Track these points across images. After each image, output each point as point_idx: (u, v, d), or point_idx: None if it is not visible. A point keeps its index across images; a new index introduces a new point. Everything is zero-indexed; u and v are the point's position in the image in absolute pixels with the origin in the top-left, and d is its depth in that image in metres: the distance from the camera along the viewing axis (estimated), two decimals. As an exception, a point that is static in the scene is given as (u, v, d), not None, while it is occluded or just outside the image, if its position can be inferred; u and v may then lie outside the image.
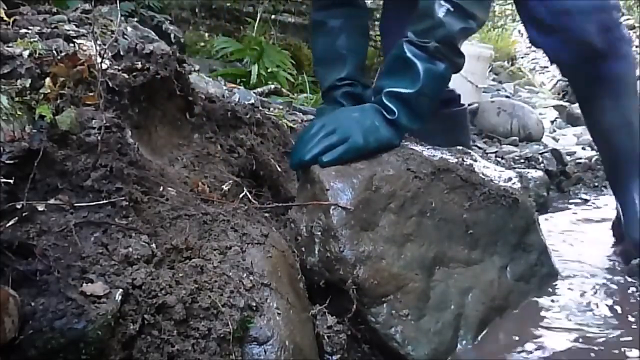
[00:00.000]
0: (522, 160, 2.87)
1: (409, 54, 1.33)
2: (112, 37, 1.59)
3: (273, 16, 4.66)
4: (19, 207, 0.87)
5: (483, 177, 1.41)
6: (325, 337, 1.09)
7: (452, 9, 1.32)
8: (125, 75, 1.23)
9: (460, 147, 1.61)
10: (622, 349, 1.23)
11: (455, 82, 1.75)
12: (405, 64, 1.34)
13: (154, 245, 0.96)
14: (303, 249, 1.21)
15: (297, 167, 1.38)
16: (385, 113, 1.32)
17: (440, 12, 1.32)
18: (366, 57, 1.79)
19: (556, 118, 4.57)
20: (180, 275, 0.92)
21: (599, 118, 1.61)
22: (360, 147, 1.27)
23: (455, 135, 1.88)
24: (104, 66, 1.17)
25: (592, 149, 3.00)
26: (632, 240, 1.58)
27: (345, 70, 1.63)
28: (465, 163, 1.41)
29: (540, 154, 2.85)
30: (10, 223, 0.86)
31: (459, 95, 2.04)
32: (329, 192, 1.20)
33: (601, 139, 1.68)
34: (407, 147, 1.37)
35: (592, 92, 1.58)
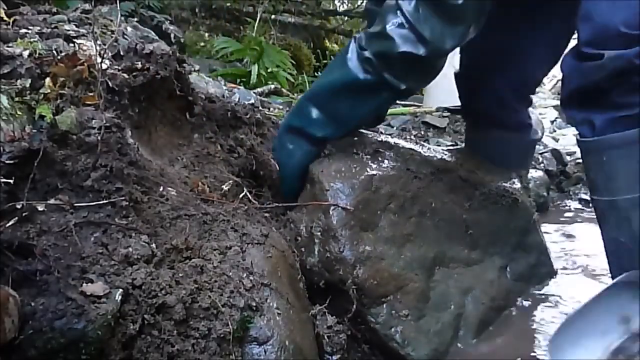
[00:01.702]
0: (522, 160, 2.86)
1: (348, 54, 1.25)
2: (112, 37, 1.59)
3: (273, 16, 4.67)
4: (19, 207, 0.87)
5: (483, 177, 1.41)
6: (325, 337, 1.09)
7: (404, 24, 1.18)
8: (125, 75, 1.23)
9: (461, 147, 1.62)
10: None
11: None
12: (341, 63, 1.26)
13: (154, 245, 0.96)
14: (303, 249, 1.21)
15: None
16: (295, 123, 1.33)
17: (391, 23, 1.19)
18: None
19: (556, 118, 4.56)
20: (180, 275, 0.92)
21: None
22: (288, 185, 1.35)
23: (514, 165, 1.66)
24: (104, 66, 1.17)
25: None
26: None
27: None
28: (465, 163, 1.42)
29: (540, 154, 2.85)
30: (10, 223, 0.86)
31: (536, 130, 1.77)
32: (329, 192, 1.20)
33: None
34: (407, 147, 1.37)
35: None
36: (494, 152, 1.56)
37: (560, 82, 1.36)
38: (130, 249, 0.92)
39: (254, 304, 0.94)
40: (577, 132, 1.20)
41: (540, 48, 1.47)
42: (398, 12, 1.18)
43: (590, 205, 2.44)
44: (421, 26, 1.16)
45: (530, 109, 1.70)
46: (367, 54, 1.21)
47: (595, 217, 1.52)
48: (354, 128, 1.35)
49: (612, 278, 1.20)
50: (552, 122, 4.42)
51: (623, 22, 1.06)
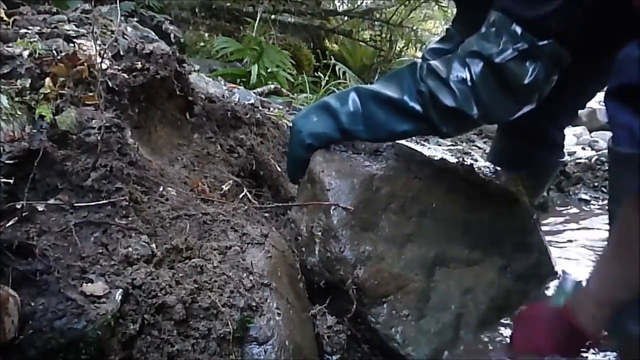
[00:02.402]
0: (522, 161, 2.86)
1: (408, 76, 1.24)
2: (112, 37, 1.59)
3: (273, 16, 4.67)
4: (19, 207, 0.87)
5: (483, 177, 1.41)
6: (325, 337, 1.09)
7: (467, 82, 1.16)
8: (125, 75, 1.23)
9: (461, 147, 1.62)
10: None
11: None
12: (401, 76, 1.26)
13: (154, 245, 0.96)
14: (303, 249, 1.21)
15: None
16: (332, 103, 1.29)
17: (455, 75, 1.17)
18: None
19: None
20: (180, 275, 0.92)
21: None
22: (294, 151, 1.32)
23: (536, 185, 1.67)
24: (104, 66, 1.17)
25: (592, 149, 3.00)
26: None
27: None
28: (465, 163, 1.41)
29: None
30: (10, 223, 0.86)
31: (564, 152, 1.77)
32: (330, 192, 1.20)
33: None
34: (408, 147, 1.37)
35: None
36: (519, 165, 1.54)
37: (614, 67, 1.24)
38: (130, 249, 0.92)
39: (254, 304, 0.94)
40: (610, 135, 1.11)
41: (598, 86, 1.46)
42: (466, 68, 1.17)
43: (590, 205, 2.45)
44: (483, 90, 1.16)
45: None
46: (423, 87, 1.20)
47: (593, 217, 1.51)
48: (381, 140, 1.33)
49: None
50: (552, 122, 4.40)
51: None
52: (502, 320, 1.34)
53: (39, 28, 1.51)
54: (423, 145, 1.44)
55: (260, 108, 1.90)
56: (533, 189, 1.57)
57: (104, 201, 0.97)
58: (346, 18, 5.57)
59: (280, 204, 1.40)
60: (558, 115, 1.58)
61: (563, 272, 1.38)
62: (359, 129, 1.26)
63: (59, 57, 1.22)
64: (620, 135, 1.10)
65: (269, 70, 3.52)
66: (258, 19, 4.21)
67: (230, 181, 1.37)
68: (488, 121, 1.27)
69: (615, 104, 1.11)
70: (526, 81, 1.14)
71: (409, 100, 1.22)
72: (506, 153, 1.68)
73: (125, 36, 1.94)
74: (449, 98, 1.17)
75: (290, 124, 1.42)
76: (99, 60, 1.14)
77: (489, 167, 1.50)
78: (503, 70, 1.14)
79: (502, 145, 1.74)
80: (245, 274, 0.97)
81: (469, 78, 1.16)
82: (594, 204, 2.48)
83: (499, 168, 1.50)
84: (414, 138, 1.45)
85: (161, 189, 1.14)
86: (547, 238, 1.61)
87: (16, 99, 1.10)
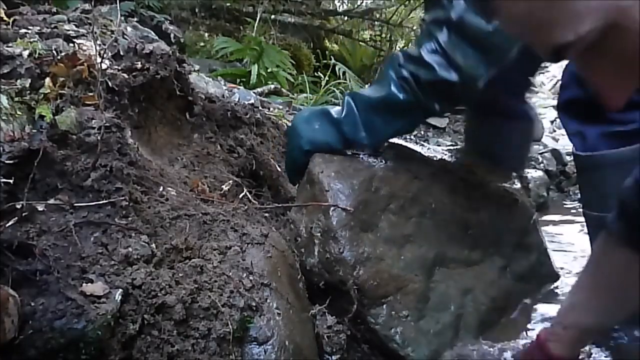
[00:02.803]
0: (522, 161, 2.86)
1: (389, 69, 1.25)
2: (112, 37, 1.59)
3: (273, 16, 4.67)
4: (19, 207, 0.87)
5: (483, 177, 1.41)
6: (325, 337, 1.09)
7: (437, 51, 1.19)
8: (125, 75, 1.23)
9: (461, 147, 1.62)
10: (622, 347, 1.23)
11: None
12: (384, 75, 1.27)
13: (154, 245, 0.96)
14: (303, 249, 1.21)
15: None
16: (333, 113, 1.28)
17: (425, 49, 1.20)
18: None
19: (556, 118, 4.56)
20: (180, 275, 0.92)
21: None
22: (292, 154, 1.31)
23: (515, 154, 1.68)
24: (104, 66, 1.17)
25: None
26: None
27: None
28: (465, 163, 1.42)
29: (540, 154, 2.85)
30: (10, 223, 0.86)
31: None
32: (329, 193, 1.20)
33: None
34: (407, 147, 1.37)
35: None
36: (494, 140, 1.55)
37: (559, 84, 1.37)
38: (130, 249, 0.92)
39: (253, 304, 0.94)
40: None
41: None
42: (432, 39, 1.19)
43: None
44: (454, 53, 1.17)
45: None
46: (404, 73, 1.22)
47: None
48: (384, 141, 1.34)
49: None
50: (552, 122, 4.41)
51: None
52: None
53: (39, 28, 1.51)
54: (423, 145, 1.44)
55: (260, 108, 1.90)
56: (513, 162, 1.60)
57: (104, 201, 0.96)
58: (346, 18, 5.57)
59: (279, 205, 1.40)
60: (514, 85, 1.58)
61: None
62: (361, 136, 1.27)
63: (59, 57, 1.22)
64: (575, 141, 1.26)
65: (269, 70, 3.52)
66: (258, 19, 4.20)
67: (230, 181, 1.37)
68: (472, 85, 1.23)
69: (565, 115, 1.28)
70: (488, 28, 1.14)
71: (396, 92, 1.23)
72: (477, 134, 1.67)
73: (125, 36, 1.94)
74: (428, 72, 1.19)
75: (289, 125, 1.42)
76: (99, 60, 1.14)
77: (488, 167, 1.50)
78: (463, 26, 1.16)
79: (472, 128, 1.74)
80: (245, 274, 0.97)
81: (437, 47, 1.18)
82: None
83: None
84: (413, 138, 1.45)
85: (161, 189, 1.14)
86: (547, 238, 1.61)
87: (16, 99, 1.10)
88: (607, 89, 0.61)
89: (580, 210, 2.32)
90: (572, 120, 1.28)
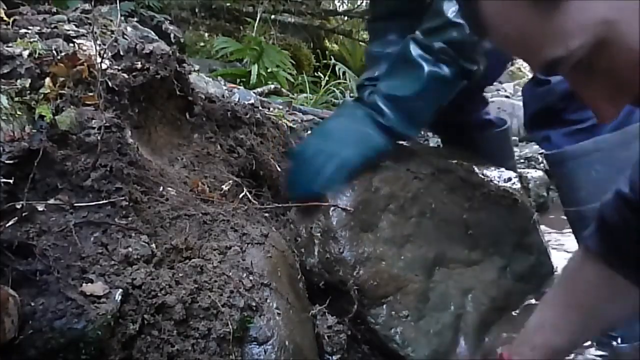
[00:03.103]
0: (522, 160, 2.86)
1: (413, 54, 1.24)
2: (112, 37, 1.59)
3: (273, 16, 4.67)
4: (19, 207, 0.87)
5: (483, 177, 1.41)
6: (325, 337, 1.09)
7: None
8: (125, 75, 1.23)
9: (460, 147, 1.62)
10: (622, 349, 1.23)
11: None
12: (407, 64, 1.25)
13: (154, 245, 0.96)
14: (303, 250, 1.21)
15: (298, 199, 1.24)
16: (379, 117, 1.24)
17: (451, 12, 1.21)
18: None
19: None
20: (180, 275, 0.92)
21: None
22: (353, 160, 1.19)
23: (498, 158, 1.72)
24: (104, 66, 1.17)
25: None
26: None
27: (377, 71, 1.49)
28: (464, 163, 1.41)
29: (540, 154, 2.85)
30: (10, 223, 0.86)
31: (499, 118, 1.90)
32: (329, 193, 1.20)
33: None
34: (407, 147, 1.37)
35: None
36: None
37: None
38: (130, 249, 0.92)
39: (254, 304, 0.94)
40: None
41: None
42: (455, 0, 1.18)
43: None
44: None
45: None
46: (435, 45, 1.22)
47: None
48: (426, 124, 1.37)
49: None
50: (552, 122, 4.40)
51: None
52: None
53: (39, 28, 1.51)
54: (423, 145, 1.44)
55: (260, 108, 1.90)
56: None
57: (104, 201, 0.96)
58: (346, 18, 5.56)
59: (279, 205, 1.39)
60: (476, 92, 1.70)
61: None
62: (411, 130, 1.29)
63: (59, 57, 1.22)
64: (543, 146, 1.40)
65: (269, 70, 3.52)
66: (258, 19, 4.21)
67: (230, 181, 1.37)
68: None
69: (533, 129, 1.43)
70: None
71: (437, 69, 1.24)
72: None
73: (125, 36, 1.94)
74: (460, 31, 1.20)
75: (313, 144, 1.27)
76: (99, 60, 1.14)
77: (489, 167, 1.50)
78: None
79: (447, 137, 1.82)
80: (245, 274, 0.97)
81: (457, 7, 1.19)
82: (593, 204, 2.47)
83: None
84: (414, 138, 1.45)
85: (161, 189, 1.14)
86: (547, 238, 1.61)
87: (16, 99, 1.10)
88: (599, 104, 0.61)
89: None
90: (539, 130, 1.40)
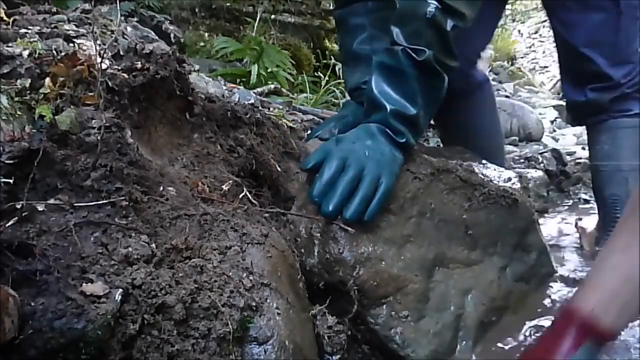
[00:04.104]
0: (522, 160, 2.87)
1: (405, 67, 1.25)
2: (112, 37, 1.59)
3: (273, 16, 4.67)
4: (18, 207, 0.87)
5: (483, 177, 1.41)
6: (325, 337, 1.09)
7: (439, 6, 1.23)
8: (125, 75, 1.23)
9: (460, 147, 1.62)
10: (622, 349, 1.23)
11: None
12: (403, 78, 1.26)
13: (153, 245, 0.96)
14: (302, 250, 1.21)
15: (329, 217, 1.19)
16: (397, 137, 1.25)
17: (428, 11, 1.23)
18: None
19: (556, 118, 4.56)
20: (180, 275, 0.92)
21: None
22: (392, 184, 1.20)
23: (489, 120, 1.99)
24: (104, 66, 1.17)
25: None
26: None
27: (368, 74, 1.48)
28: (464, 163, 1.42)
29: (540, 154, 2.86)
30: (10, 223, 0.86)
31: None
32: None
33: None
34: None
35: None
36: (468, 123, 1.79)
37: (559, 82, 1.61)
38: (130, 249, 0.92)
39: (254, 304, 0.94)
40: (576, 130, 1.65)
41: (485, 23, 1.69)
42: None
43: (590, 204, 2.46)
44: (454, 1, 1.25)
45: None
46: (428, 56, 1.25)
47: (594, 217, 1.58)
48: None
49: (606, 229, 1.74)
50: (552, 122, 4.42)
51: None
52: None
53: (39, 28, 1.51)
54: (422, 145, 1.44)
55: (260, 108, 1.90)
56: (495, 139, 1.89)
57: (104, 201, 0.96)
58: (346, 18, 5.55)
59: (280, 210, 1.39)
60: (471, 57, 1.84)
61: None
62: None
63: (59, 57, 1.22)
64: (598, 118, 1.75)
65: (269, 70, 3.52)
66: (258, 19, 4.21)
67: (230, 181, 1.37)
68: (471, 22, 1.33)
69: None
70: None
71: (436, 80, 1.29)
72: (456, 123, 1.88)
73: (125, 36, 1.94)
74: (444, 32, 1.26)
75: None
76: (99, 60, 1.14)
77: (488, 167, 1.50)
78: None
79: (447, 122, 1.90)
80: (245, 274, 0.97)
81: (436, 2, 1.24)
82: (594, 204, 2.47)
83: None
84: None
85: (161, 189, 1.14)
86: (547, 238, 1.61)
87: (16, 99, 1.10)
88: None
89: (581, 209, 2.33)
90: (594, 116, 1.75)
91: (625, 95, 1.67)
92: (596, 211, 1.88)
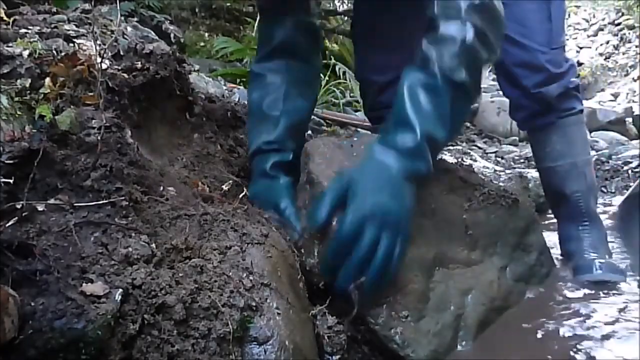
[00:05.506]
0: (522, 160, 2.88)
1: (442, 87, 1.16)
2: (112, 37, 1.59)
3: (273, 16, 4.66)
4: (19, 207, 0.87)
5: (483, 177, 1.41)
6: (326, 338, 1.09)
7: (477, 32, 1.17)
8: (125, 75, 1.23)
9: (460, 148, 1.62)
10: (622, 349, 1.23)
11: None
12: (440, 99, 1.16)
13: (153, 245, 0.96)
14: (302, 250, 1.21)
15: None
16: (419, 164, 1.15)
17: (468, 35, 1.16)
18: (306, 118, 1.59)
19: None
20: (180, 275, 0.92)
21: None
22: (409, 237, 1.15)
23: None
24: (104, 66, 1.17)
25: (592, 149, 3.00)
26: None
27: (276, 132, 1.43)
28: (464, 164, 1.42)
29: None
30: (10, 223, 0.86)
31: None
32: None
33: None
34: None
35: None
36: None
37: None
38: (130, 249, 0.92)
39: (254, 304, 0.94)
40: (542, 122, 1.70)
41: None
42: (466, 21, 1.17)
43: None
44: (489, 29, 1.20)
45: None
46: (467, 81, 1.18)
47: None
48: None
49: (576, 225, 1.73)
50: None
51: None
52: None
53: (39, 28, 1.51)
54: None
55: (260, 108, 1.90)
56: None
57: (104, 201, 0.96)
58: (346, 18, 5.57)
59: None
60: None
61: None
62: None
63: (59, 57, 1.22)
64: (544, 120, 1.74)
65: (268, 70, 3.51)
66: (258, 19, 4.21)
67: (230, 181, 1.37)
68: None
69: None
70: None
71: (464, 96, 1.21)
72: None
73: (125, 36, 1.94)
74: (481, 60, 1.22)
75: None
76: (99, 60, 1.14)
77: (489, 167, 1.50)
78: None
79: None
80: (245, 274, 0.97)
81: (474, 29, 1.18)
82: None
83: None
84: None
85: (161, 189, 1.14)
86: (547, 238, 1.61)
87: (16, 99, 1.10)
88: None
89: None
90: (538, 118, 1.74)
91: (567, 92, 1.66)
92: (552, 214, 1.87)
